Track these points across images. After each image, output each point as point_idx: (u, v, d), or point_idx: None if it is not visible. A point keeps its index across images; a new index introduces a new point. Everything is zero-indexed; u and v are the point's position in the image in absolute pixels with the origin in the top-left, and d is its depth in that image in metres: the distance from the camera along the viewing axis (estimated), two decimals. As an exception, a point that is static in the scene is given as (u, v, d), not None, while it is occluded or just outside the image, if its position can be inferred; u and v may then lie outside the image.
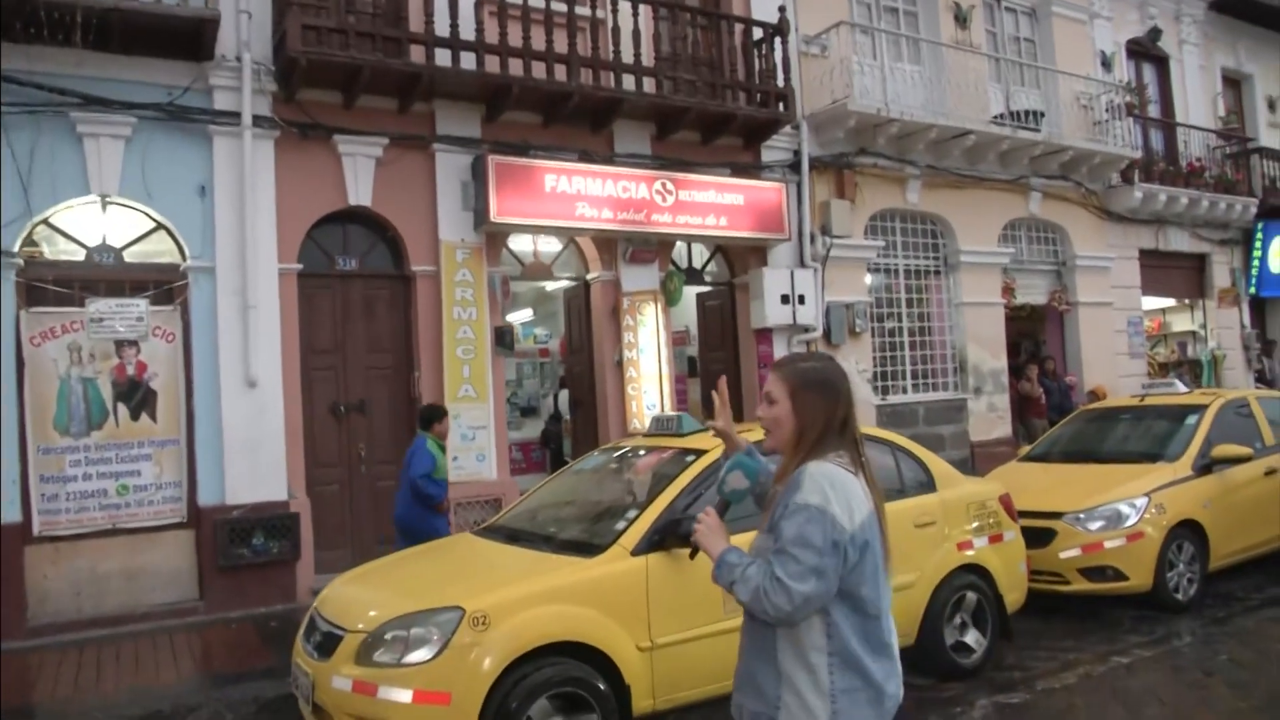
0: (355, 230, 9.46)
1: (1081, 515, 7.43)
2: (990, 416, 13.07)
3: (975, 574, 6.23)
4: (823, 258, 11.49)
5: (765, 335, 11.19)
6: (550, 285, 13.07)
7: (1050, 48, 14.42)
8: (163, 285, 8.47)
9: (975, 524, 6.32)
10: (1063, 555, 7.32)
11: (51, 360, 8.01)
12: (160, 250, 8.61)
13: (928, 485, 6.31)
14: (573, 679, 4.65)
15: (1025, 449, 9.73)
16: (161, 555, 8.31)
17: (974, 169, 12.98)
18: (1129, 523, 7.36)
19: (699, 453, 5.59)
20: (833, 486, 2.46)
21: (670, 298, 10.58)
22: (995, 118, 13.12)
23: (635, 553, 4.98)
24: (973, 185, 13.03)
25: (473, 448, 9.27)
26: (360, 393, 9.33)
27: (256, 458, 8.47)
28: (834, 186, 11.76)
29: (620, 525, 5.21)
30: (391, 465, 9.33)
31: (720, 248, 11.56)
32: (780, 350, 11.22)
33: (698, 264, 11.70)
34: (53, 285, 8.09)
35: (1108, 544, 7.29)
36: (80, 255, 8.36)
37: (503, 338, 9.63)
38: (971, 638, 6.19)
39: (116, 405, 8.21)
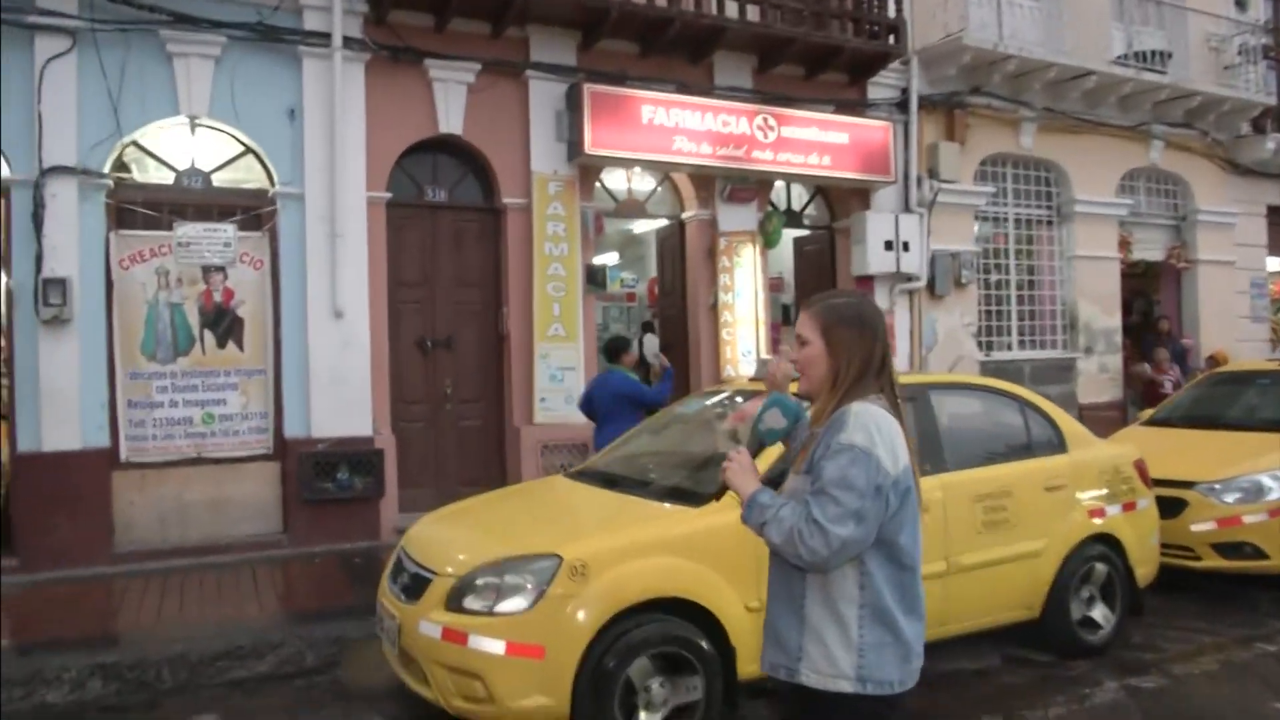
0: (445, 160, 9.11)
1: (1217, 486, 6.80)
2: (1101, 378, 12.33)
3: (1105, 544, 5.71)
4: (929, 203, 10.82)
5: (866, 283, 10.62)
6: (638, 228, 12.67)
7: (1180, -17, 13.35)
8: (251, 211, 8.23)
9: (1108, 490, 5.79)
10: (1194, 528, 6.72)
11: (140, 284, 7.85)
12: (248, 175, 8.37)
13: (1058, 445, 5.78)
14: (675, 638, 4.29)
15: (1147, 412, 9.06)
16: (246, 486, 8.17)
17: (1093, 113, 12.11)
18: (1271, 496, 6.72)
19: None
20: (879, 429, 2.34)
21: (769, 239, 10.06)
22: (1117, 58, 12.20)
23: (747, 503, 4.57)
24: (1090, 130, 12.16)
25: (561, 389, 8.92)
26: (447, 328, 9.04)
27: (342, 391, 8.24)
28: (943, 128, 11.04)
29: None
30: (477, 403, 9.10)
31: (820, 189, 10.96)
32: (882, 301, 10.65)
33: (796, 206, 11.12)
34: (142, 208, 7.90)
35: (1246, 519, 6.67)
36: (169, 178, 8.16)
37: (594, 276, 9.24)
38: (1099, 613, 5.68)
39: (203, 332, 8.03)
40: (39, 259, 7.40)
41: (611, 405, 7.18)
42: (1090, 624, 5.64)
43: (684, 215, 10.14)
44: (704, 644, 4.33)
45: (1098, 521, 5.68)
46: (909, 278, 10.73)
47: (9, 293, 7.52)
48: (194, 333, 8.00)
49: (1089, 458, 5.83)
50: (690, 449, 5.92)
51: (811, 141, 9.89)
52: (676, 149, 9.19)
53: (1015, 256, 12.03)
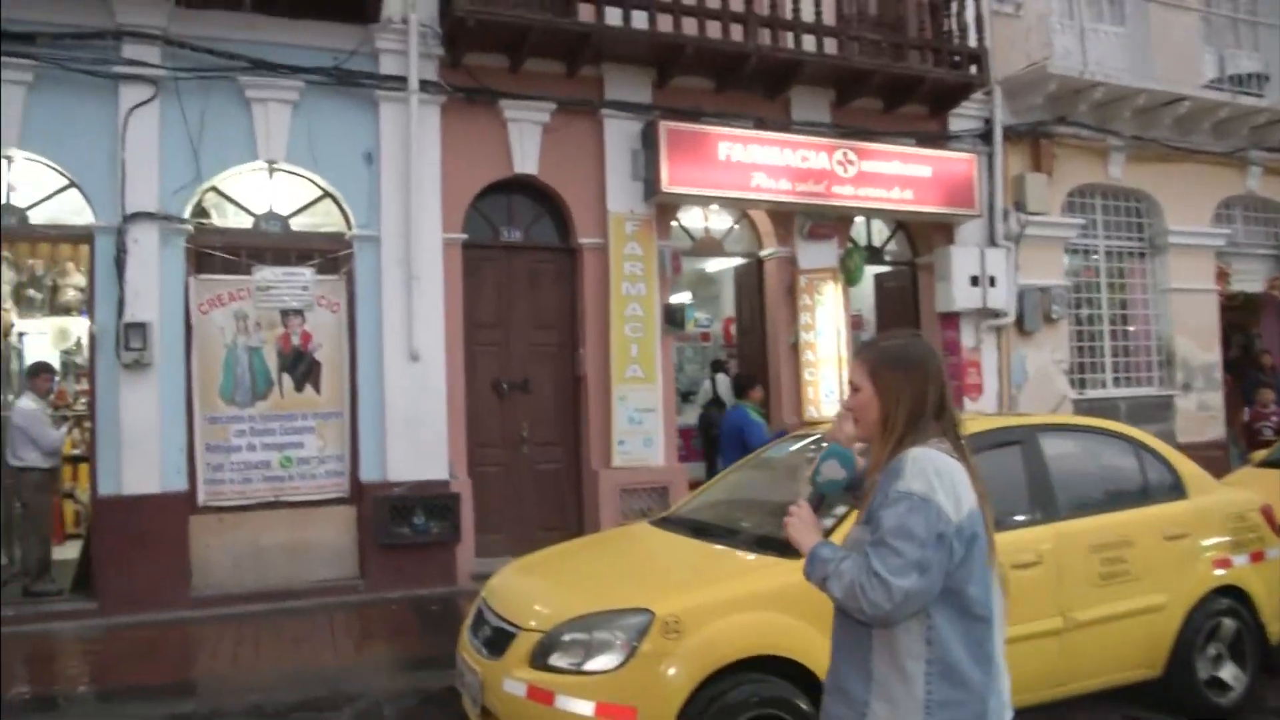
0: (520, 200, 9.02)
1: (1349, 532, 6.29)
2: (1201, 416, 11.73)
3: (1233, 597, 5.26)
4: (1016, 236, 10.44)
5: (951, 320, 10.26)
6: (711, 266, 12.42)
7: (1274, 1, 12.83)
8: (328, 254, 8.22)
9: (1233, 538, 5.34)
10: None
11: (218, 328, 7.85)
12: (326, 219, 8.37)
13: (1177, 490, 5.37)
14: (774, 699, 3.99)
15: (1260, 453, 8.53)
16: (323, 530, 8.07)
17: (1185, 140, 11.61)
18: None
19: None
20: (938, 474, 2.21)
21: (850, 276, 9.77)
22: (1210, 83, 11.74)
23: (845, 554, 4.28)
24: (1182, 158, 11.66)
25: (640, 431, 8.71)
26: (523, 370, 8.90)
27: (418, 434, 8.13)
28: (1029, 158, 10.68)
29: (828, 522, 4.51)
30: (555, 447, 8.91)
31: (901, 224, 10.65)
32: (968, 339, 10.28)
33: (877, 242, 10.81)
34: (221, 252, 7.93)
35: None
36: (248, 223, 8.19)
37: (673, 316, 9.03)
38: (1228, 673, 5.21)
39: (281, 375, 8.00)
40: (121, 304, 7.44)
41: (728, 440, 7.36)
42: (1219, 685, 5.18)
43: (762, 253, 9.91)
44: (803, 705, 4.02)
45: (1223, 573, 5.24)
46: (996, 313, 10.32)
47: (93, 337, 7.57)
48: (272, 376, 7.97)
49: (1211, 504, 5.40)
50: (779, 496, 5.61)
51: (893, 175, 9.60)
52: (755, 186, 8.99)
53: (1107, 290, 11.54)
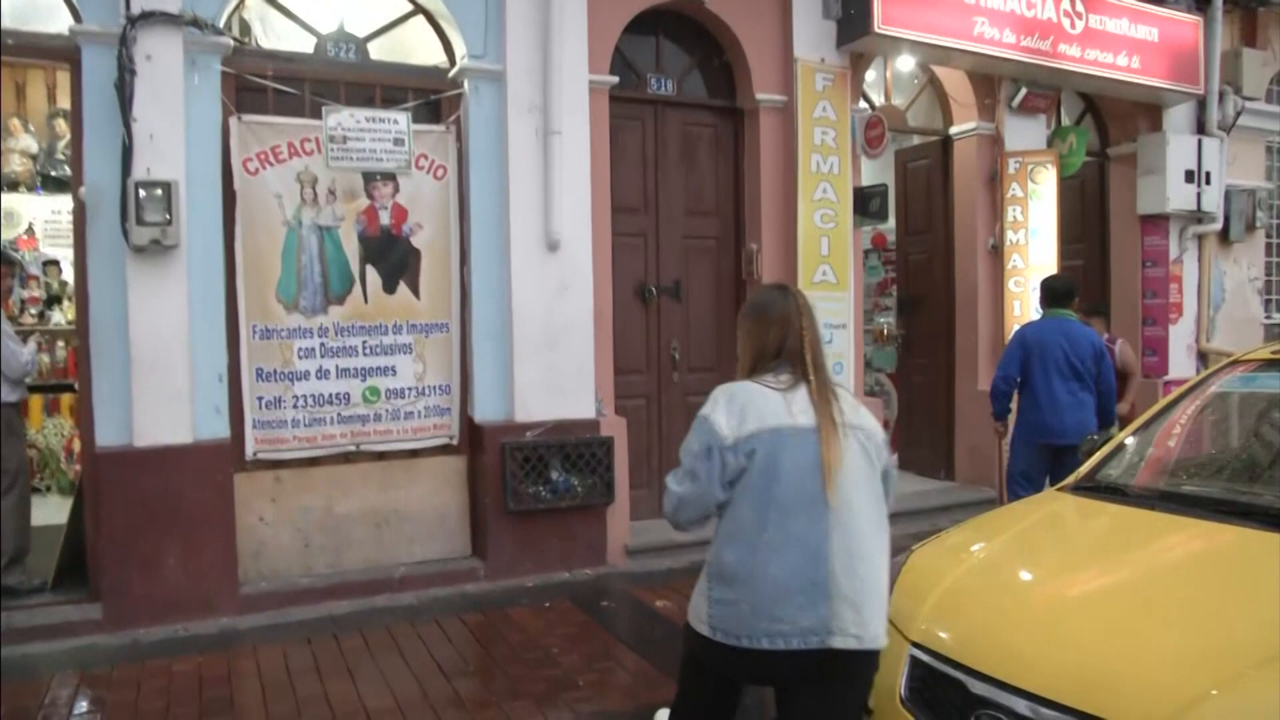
0: (672, 40, 6.32)
1: None
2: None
3: None
4: (1229, 126, 8.18)
5: (1157, 224, 8.00)
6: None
7: None
8: (427, 95, 5.46)
9: None
10: None
11: (274, 197, 5.05)
12: (420, 44, 5.60)
13: None
14: None
15: None
16: (423, 491, 5.44)
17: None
18: None
19: None
20: (728, 397, 2.34)
21: (1066, 163, 7.38)
22: None
23: None
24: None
25: (829, 353, 6.22)
26: (675, 270, 6.32)
27: (557, 356, 5.53)
28: (1240, 31, 8.39)
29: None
30: (710, 374, 6.35)
31: (1092, 104, 8.26)
32: (1174, 248, 8.04)
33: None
34: (273, 82, 5.11)
35: None
36: (308, 44, 5.35)
37: (868, 204, 6.51)
38: None
39: (365, 269, 5.26)
40: (126, 154, 4.60)
41: (1068, 366, 4.80)
42: None
43: (952, 129, 7.42)
44: None
45: None
46: (1200, 217, 8.10)
47: (80, 207, 4.72)
48: (351, 269, 5.22)
49: None
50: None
51: (1121, 36, 7.22)
52: (977, 34, 6.50)
53: (1289, 199, 9.43)
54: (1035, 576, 2.92)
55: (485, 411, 5.48)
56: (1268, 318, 8.89)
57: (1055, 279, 5.53)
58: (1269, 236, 9.00)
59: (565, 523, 5.53)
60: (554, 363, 5.52)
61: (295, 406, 5.11)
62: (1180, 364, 8.07)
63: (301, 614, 4.89)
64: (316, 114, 5.10)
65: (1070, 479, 3.52)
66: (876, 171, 7.55)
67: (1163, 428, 3.60)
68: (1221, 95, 8.07)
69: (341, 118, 5.10)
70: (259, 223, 5.01)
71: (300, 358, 5.11)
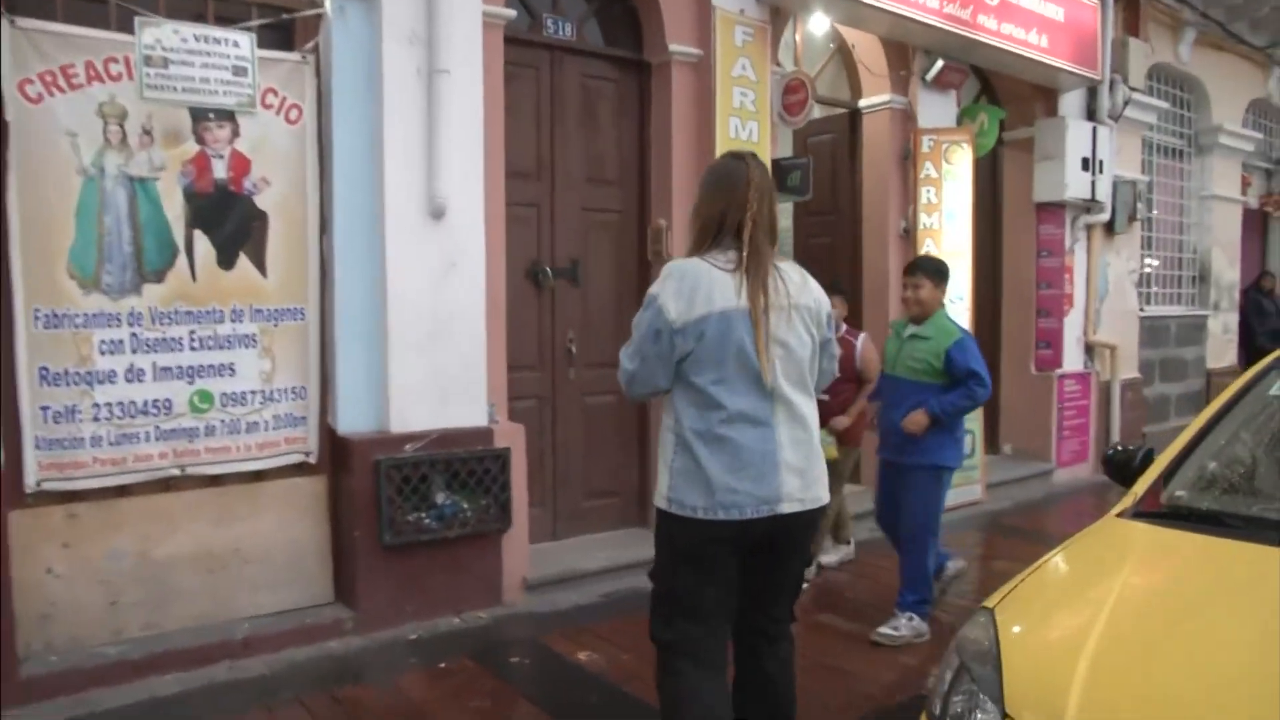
0: (571, -24, 5.33)
1: None
2: (1223, 339, 10.01)
3: None
4: (1117, 115, 7.95)
5: (1054, 213, 7.66)
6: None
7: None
8: (278, 13, 4.22)
9: None
10: None
11: (66, 135, 3.70)
12: (265, -49, 4.35)
13: None
14: None
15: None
16: (271, 524, 4.22)
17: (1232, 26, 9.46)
18: None
19: None
20: (679, 277, 2.35)
21: (977, 144, 6.86)
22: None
23: None
24: (1232, 46, 9.53)
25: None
26: (572, 248, 5.32)
27: (442, 351, 4.43)
28: (1125, 20, 8.16)
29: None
30: (612, 370, 5.36)
31: (988, 85, 7.82)
32: (1067, 238, 7.74)
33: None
34: (64, -16, 3.76)
35: None
36: (112, -62, 4.01)
37: (787, 179, 5.72)
38: None
39: (192, 237, 3.98)
40: None
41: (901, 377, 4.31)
42: None
43: (863, 102, 6.75)
44: None
45: None
46: (1089, 207, 7.84)
47: None
48: (174, 236, 3.94)
49: None
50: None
51: (1033, 13, 6.77)
52: (908, -2, 5.84)
53: (1156, 192, 9.38)
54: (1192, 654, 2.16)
55: (351, 422, 4.32)
56: (1141, 310, 8.80)
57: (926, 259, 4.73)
58: (1144, 230, 8.92)
59: (454, 555, 4.45)
60: (438, 360, 4.42)
61: (96, 419, 3.79)
62: (1073, 358, 7.80)
63: (109, 698, 3.59)
64: (127, 26, 3.79)
65: (1129, 503, 2.83)
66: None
67: (1228, 433, 2.97)
68: (1112, 84, 7.83)
69: (162, 34, 3.81)
70: (43, 170, 3.65)
71: (103, 353, 3.79)
